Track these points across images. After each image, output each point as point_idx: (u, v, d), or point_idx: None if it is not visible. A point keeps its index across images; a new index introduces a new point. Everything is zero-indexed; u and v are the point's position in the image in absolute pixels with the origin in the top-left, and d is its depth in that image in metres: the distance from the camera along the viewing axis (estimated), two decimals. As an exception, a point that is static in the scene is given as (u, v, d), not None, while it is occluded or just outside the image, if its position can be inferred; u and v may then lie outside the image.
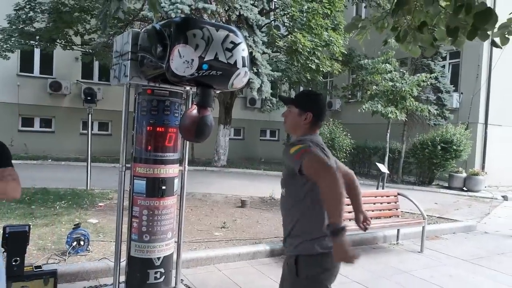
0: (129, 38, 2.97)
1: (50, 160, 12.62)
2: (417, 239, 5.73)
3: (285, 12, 10.66)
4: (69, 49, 12.72)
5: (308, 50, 9.47)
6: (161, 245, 3.20)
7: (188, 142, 3.71)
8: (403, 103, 10.30)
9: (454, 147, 11.68)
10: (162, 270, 3.22)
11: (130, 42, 2.97)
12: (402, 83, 10.15)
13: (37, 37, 11.94)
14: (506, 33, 2.19)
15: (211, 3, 7.36)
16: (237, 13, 7.80)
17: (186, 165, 3.57)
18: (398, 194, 5.70)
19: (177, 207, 3.49)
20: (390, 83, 9.99)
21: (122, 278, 3.26)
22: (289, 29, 11.15)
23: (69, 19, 10.38)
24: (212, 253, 4.52)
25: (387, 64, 10.07)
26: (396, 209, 5.59)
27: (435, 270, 4.64)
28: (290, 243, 1.93)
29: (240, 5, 7.77)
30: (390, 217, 5.53)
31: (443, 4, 2.18)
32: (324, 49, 9.77)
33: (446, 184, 12.43)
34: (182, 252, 4.36)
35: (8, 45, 11.25)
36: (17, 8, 11.12)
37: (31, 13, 11.04)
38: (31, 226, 3.45)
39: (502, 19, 2.20)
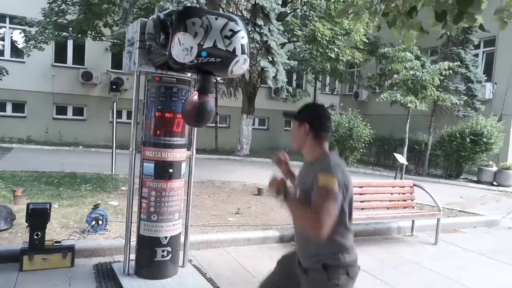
0: (138, 27, 3.12)
1: (81, 146, 13.23)
2: (433, 232, 5.65)
3: (305, 1, 10.55)
4: (98, 40, 13.21)
5: (328, 39, 9.35)
6: (168, 225, 3.37)
7: (195, 128, 3.83)
8: (423, 93, 10.00)
9: (485, 139, 11.25)
10: (169, 249, 3.39)
11: (138, 31, 3.11)
12: (423, 72, 9.84)
13: (70, 29, 12.45)
14: (504, 17, 2.15)
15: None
16: (253, 2, 7.83)
17: (194, 150, 3.70)
18: (414, 185, 5.63)
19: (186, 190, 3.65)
20: (411, 72, 9.71)
21: (133, 256, 3.47)
22: (308, 18, 11.04)
23: (99, 11, 10.77)
24: (222, 237, 4.66)
25: (407, 53, 9.79)
26: (412, 200, 5.52)
27: (448, 263, 4.58)
28: (310, 258, 1.85)
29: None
30: (404, 208, 5.47)
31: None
32: (345, 38, 9.60)
33: (475, 178, 12.01)
34: (193, 234, 4.55)
35: (43, 37, 11.81)
36: (50, 1, 11.64)
37: (63, 6, 11.53)
38: (52, 204, 3.70)
39: (501, 4, 2.16)
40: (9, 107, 14.58)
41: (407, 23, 2.06)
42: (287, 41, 12.05)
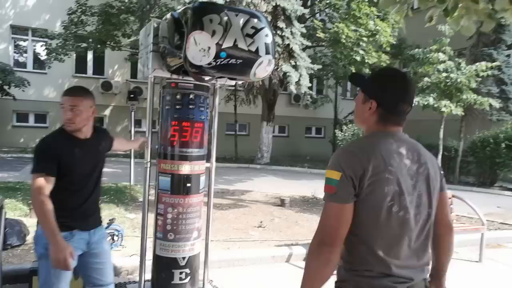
0: (151, 29, 2.86)
1: (101, 156, 13.19)
2: (475, 247, 5.15)
3: (328, 2, 10.21)
4: (117, 50, 13.23)
5: (352, 41, 8.94)
6: (186, 245, 3.07)
7: (216, 137, 3.57)
8: (458, 96, 9.42)
9: (521, 144, 10.55)
10: (187, 270, 3.09)
11: (152, 33, 2.85)
12: (458, 74, 9.29)
13: (90, 40, 12.52)
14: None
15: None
16: (274, 4, 7.54)
17: (214, 162, 3.41)
18: (453, 196, 5.15)
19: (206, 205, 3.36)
20: (444, 74, 9.17)
21: (149, 276, 3.19)
22: (331, 20, 10.68)
23: (117, 21, 10.77)
24: (246, 254, 4.35)
25: (440, 54, 9.26)
26: (451, 213, 5.05)
27: (497, 285, 4.10)
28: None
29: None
30: (442, 221, 5.00)
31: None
32: (370, 40, 9.18)
33: (511, 186, 11.29)
34: (214, 252, 4.25)
35: (63, 49, 11.91)
36: (70, 12, 11.74)
37: (83, 17, 11.60)
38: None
39: None
40: (31, 118, 14.77)
41: (471, 9, 1.71)
42: (310, 44, 11.73)
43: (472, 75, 9.69)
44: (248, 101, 14.35)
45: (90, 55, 15.06)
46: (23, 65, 15.02)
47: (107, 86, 14.88)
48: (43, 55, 14.25)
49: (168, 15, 2.60)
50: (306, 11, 9.72)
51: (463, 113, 10.64)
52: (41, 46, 14.59)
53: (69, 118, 2.15)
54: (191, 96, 3.00)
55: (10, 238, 4.08)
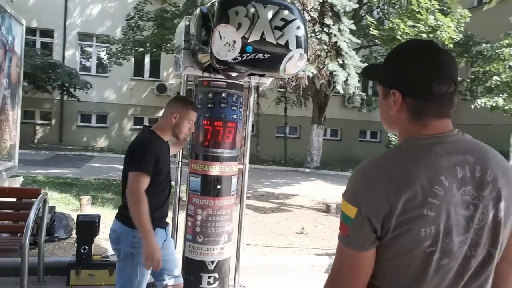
0: (183, 27, 2.81)
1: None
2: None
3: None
4: (171, 53, 13.68)
5: (410, 37, 8.27)
6: (215, 248, 2.97)
7: (255, 138, 3.43)
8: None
9: None
10: (216, 275, 2.99)
11: (183, 31, 2.80)
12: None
13: (147, 44, 13.09)
14: None
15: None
16: (320, 0, 7.24)
17: (247, 163, 3.28)
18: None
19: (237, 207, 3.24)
20: (516, 72, 8.19)
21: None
22: (386, 16, 10.10)
23: (171, 25, 11.12)
24: (283, 261, 4.18)
25: (512, 49, 8.28)
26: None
27: None
28: None
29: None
30: None
31: None
32: (430, 36, 8.48)
33: None
34: (250, 257, 4.12)
35: (122, 53, 12.59)
36: (128, 18, 12.37)
37: (140, 22, 12.16)
38: (101, 217, 3.54)
39: None
40: (94, 119, 15.78)
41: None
42: (365, 43, 11.20)
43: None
44: (299, 103, 14.10)
45: (147, 59, 15.76)
46: (88, 69, 16.13)
47: (162, 88, 15.45)
48: (105, 60, 15.18)
49: (197, 10, 2.51)
50: (356, 6, 9.27)
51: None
52: (103, 51, 15.56)
53: (192, 131, 2.40)
54: (223, 95, 2.90)
55: (58, 231, 4.27)
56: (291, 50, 2.23)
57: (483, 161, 0.94)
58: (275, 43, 2.17)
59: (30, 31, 14.91)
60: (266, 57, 2.18)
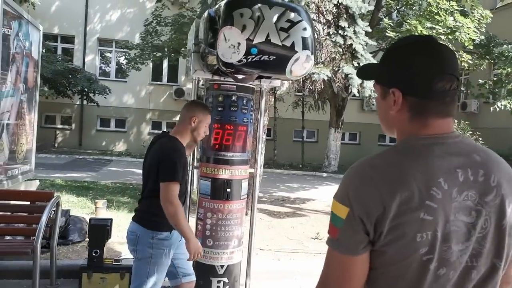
0: (193, 30, 2.82)
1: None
2: None
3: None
4: (188, 58, 13.79)
5: (427, 39, 8.06)
6: (225, 252, 2.94)
7: (265, 142, 3.39)
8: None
9: None
10: (225, 279, 2.96)
11: (193, 34, 2.81)
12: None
13: (165, 49, 13.26)
14: None
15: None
16: (335, 2, 7.14)
17: (259, 167, 3.24)
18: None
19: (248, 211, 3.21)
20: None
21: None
22: (404, 18, 9.88)
23: (188, 30, 11.16)
24: (297, 267, 4.10)
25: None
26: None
27: None
28: None
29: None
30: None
31: None
32: (449, 38, 8.24)
33: None
34: (263, 262, 4.07)
35: (140, 58, 12.78)
36: (146, 23, 12.55)
37: (157, 27, 12.33)
38: (113, 220, 3.56)
39: None
40: (112, 123, 16.06)
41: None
42: (383, 46, 11.00)
43: None
44: (317, 107, 13.97)
45: (165, 64, 15.95)
46: (108, 74, 16.46)
47: (179, 92, 15.61)
48: (124, 65, 15.46)
49: (205, 13, 2.51)
50: (371, 8, 9.10)
51: None
52: (122, 56, 15.85)
53: (207, 133, 2.50)
54: (233, 98, 2.88)
55: (72, 234, 4.33)
56: (297, 52, 2.18)
57: (486, 165, 0.88)
58: (281, 44, 2.13)
59: (52, 37, 15.37)
60: (271, 59, 2.15)
